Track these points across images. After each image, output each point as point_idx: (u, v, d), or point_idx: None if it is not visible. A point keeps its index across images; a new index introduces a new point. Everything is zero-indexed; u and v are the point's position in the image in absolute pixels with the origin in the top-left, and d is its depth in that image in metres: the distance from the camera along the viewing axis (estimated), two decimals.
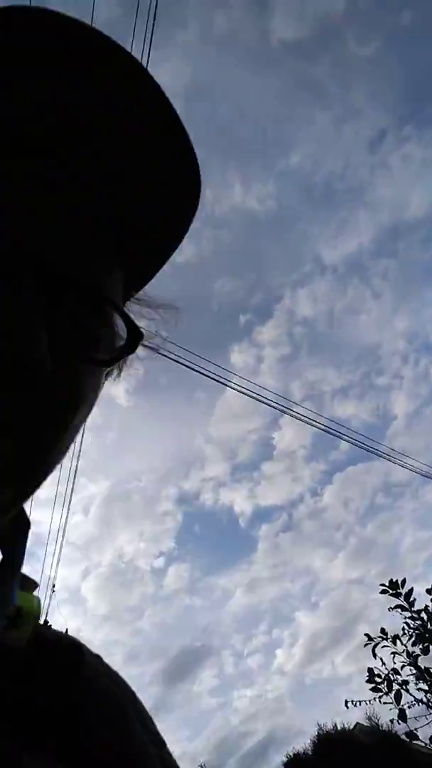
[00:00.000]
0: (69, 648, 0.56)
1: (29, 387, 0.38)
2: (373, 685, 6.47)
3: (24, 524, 0.51)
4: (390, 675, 6.47)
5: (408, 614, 6.70)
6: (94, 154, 0.45)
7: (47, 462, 0.43)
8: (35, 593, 0.56)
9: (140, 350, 0.49)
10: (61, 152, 0.44)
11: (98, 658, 0.59)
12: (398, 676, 6.48)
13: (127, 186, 0.47)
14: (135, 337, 0.46)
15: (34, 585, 0.56)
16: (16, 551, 0.50)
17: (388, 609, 6.77)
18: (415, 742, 6.92)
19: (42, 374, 0.37)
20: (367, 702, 6.70)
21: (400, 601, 6.71)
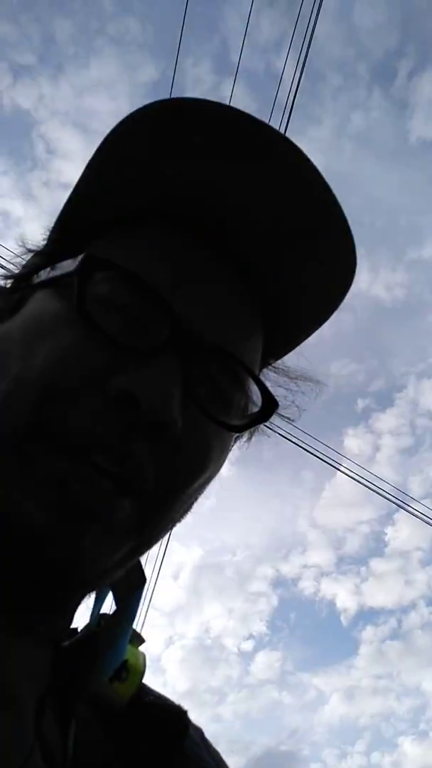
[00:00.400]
0: (174, 716, 0.54)
1: (159, 444, 0.39)
2: None
3: (140, 579, 0.51)
4: None
5: None
6: (253, 237, 0.47)
7: (167, 520, 0.44)
8: (141, 649, 0.56)
9: (274, 418, 0.49)
10: (224, 232, 0.46)
11: (200, 732, 0.56)
12: None
13: (283, 269, 0.48)
14: (270, 405, 0.46)
15: (141, 640, 0.57)
16: (131, 604, 0.50)
17: None
18: None
19: (173, 433, 0.39)
20: None
21: None
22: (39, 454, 0.37)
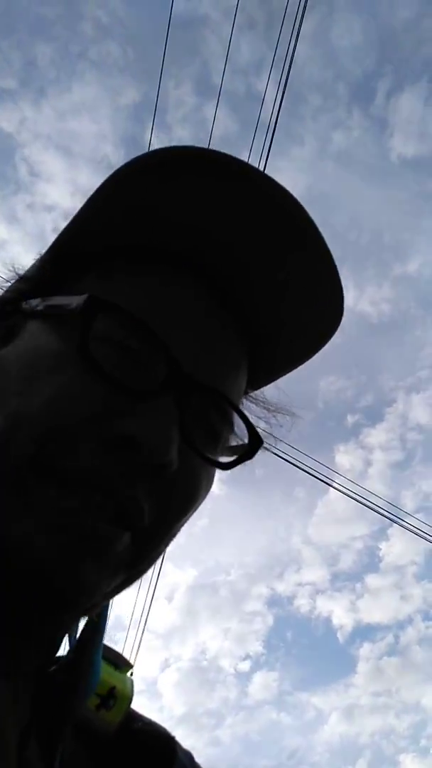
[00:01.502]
0: (162, 742, 0.54)
1: (156, 484, 0.41)
2: None
3: None
4: None
5: None
6: (244, 278, 0.48)
7: (157, 552, 0.45)
8: (129, 674, 0.55)
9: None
10: (216, 273, 0.48)
11: (190, 756, 0.56)
12: None
13: (272, 310, 0.50)
14: (256, 443, 0.47)
15: (128, 666, 0.56)
16: (99, 621, 0.51)
17: None
18: None
19: (169, 473, 0.40)
20: None
21: None
22: (41, 489, 0.38)
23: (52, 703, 0.46)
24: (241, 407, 0.49)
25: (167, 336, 0.43)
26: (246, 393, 0.55)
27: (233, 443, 0.49)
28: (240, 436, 0.48)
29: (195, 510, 0.47)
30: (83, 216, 0.48)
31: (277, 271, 0.48)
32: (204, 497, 0.47)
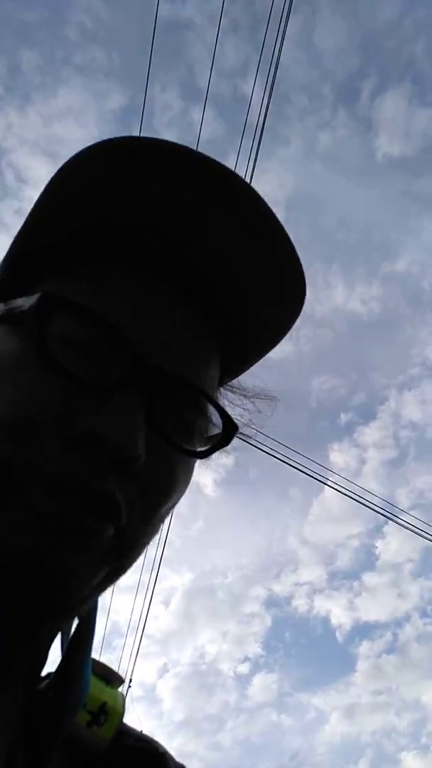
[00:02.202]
0: (152, 759, 0.53)
1: (127, 478, 0.40)
2: None
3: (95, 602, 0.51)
4: None
5: None
6: (205, 266, 0.48)
7: (140, 546, 0.45)
8: (120, 689, 0.54)
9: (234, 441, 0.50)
10: (176, 264, 0.47)
11: None
12: None
13: (236, 297, 0.49)
14: (230, 430, 0.47)
15: (120, 681, 0.55)
16: (87, 630, 0.50)
17: None
18: None
19: (138, 466, 0.40)
20: None
21: None
22: (14, 488, 0.37)
23: (41, 721, 0.45)
24: (215, 396, 0.48)
25: (129, 329, 0.42)
26: (222, 383, 0.55)
27: (212, 432, 0.48)
28: (217, 425, 0.47)
29: (174, 502, 0.46)
30: (35, 215, 0.47)
31: (237, 258, 0.47)
32: (183, 489, 0.47)
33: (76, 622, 0.49)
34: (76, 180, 0.45)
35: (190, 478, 0.48)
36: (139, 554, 0.45)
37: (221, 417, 0.46)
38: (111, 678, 0.54)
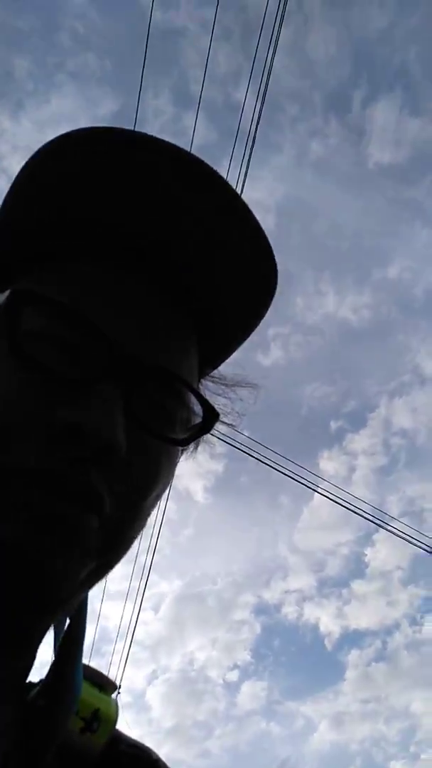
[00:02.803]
0: (147, 764, 0.53)
1: (109, 468, 0.40)
2: None
3: (84, 601, 0.50)
4: None
5: None
6: (176, 256, 0.48)
7: (126, 539, 0.44)
8: (114, 696, 0.54)
9: (217, 427, 0.50)
10: (148, 254, 0.47)
11: None
12: None
13: (209, 285, 0.50)
14: (211, 417, 0.47)
15: (113, 687, 0.55)
16: (77, 631, 0.50)
17: None
18: None
19: (119, 456, 0.39)
20: None
21: None
22: (5, 489, 0.37)
23: (34, 726, 0.44)
24: (195, 385, 0.49)
25: (103, 321, 0.42)
26: (204, 374, 0.55)
27: (194, 423, 0.48)
28: (199, 414, 0.48)
29: (159, 493, 0.46)
30: (3, 216, 0.47)
31: (211, 248, 0.48)
32: (167, 479, 0.47)
33: (66, 625, 0.49)
34: (44, 173, 0.45)
35: (174, 468, 0.48)
36: (126, 548, 0.45)
37: (201, 404, 0.47)
38: (104, 684, 0.54)
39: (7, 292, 0.42)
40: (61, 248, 0.47)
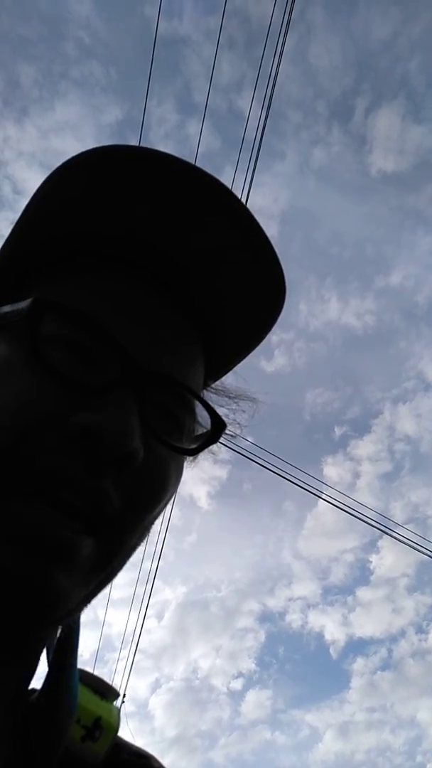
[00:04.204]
0: None
1: (125, 477, 0.40)
2: None
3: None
4: None
5: None
6: (186, 271, 0.49)
7: (130, 547, 0.45)
8: (116, 703, 0.54)
9: (222, 438, 0.51)
10: (161, 268, 0.48)
11: None
12: None
13: (216, 301, 0.51)
14: (218, 427, 0.48)
15: (115, 695, 0.54)
16: (72, 639, 0.49)
17: None
18: None
19: (136, 463, 0.40)
20: None
21: None
22: (5, 500, 0.38)
23: (35, 734, 0.44)
24: (203, 397, 0.49)
25: (119, 332, 0.43)
26: (206, 385, 0.56)
27: (199, 432, 0.49)
28: (204, 425, 0.48)
29: (166, 501, 0.46)
30: (23, 224, 0.48)
31: (220, 265, 0.49)
32: (174, 488, 0.47)
33: (58, 634, 0.49)
34: (63, 189, 0.46)
35: (180, 477, 0.48)
36: (129, 556, 0.45)
37: (209, 414, 0.47)
38: (106, 692, 0.53)
39: (28, 301, 0.43)
40: (76, 259, 0.48)
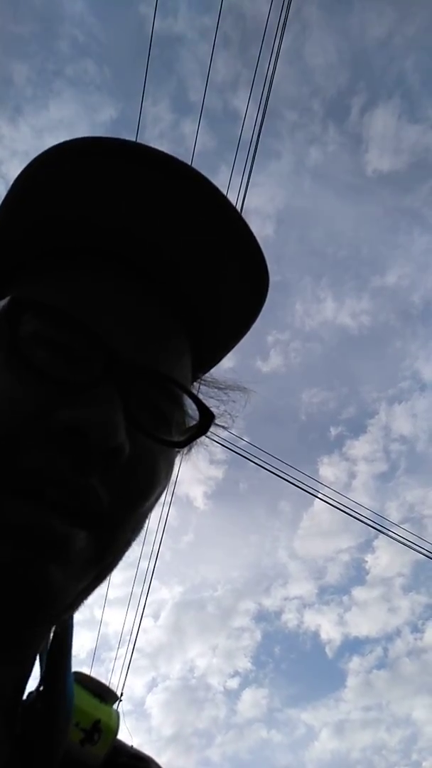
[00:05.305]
0: None
1: (112, 472, 0.40)
2: None
3: None
4: None
5: None
6: (170, 262, 0.49)
7: (124, 542, 0.44)
8: (115, 707, 0.53)
9: (213, 430, 0.50)
10: (142, 261, 0.48)
11: None
12: None
13: (202, 293, 0.50)
14: (207, 418, 0.47)
15: (114, 698, 0.54)
16: (66, 639, 0.49)
17: None
18: None
19: (123, 458, 0.40)
20: None
21: None
22: None
23: (33, 737, 0.44)
24: (190, 388, 0.49)
25: (101, 327, 0.43)
26: (195, 377, 0.56)
27: (189, 425, 0.48)
28: (194, 417, 0.48)
29: (156, 495, 0.46)
30: (3, 213, 0.48)
31: (202, 256, 0.48)
32: (165, 482, 0.47)
33: (52, 636, 0.48)
34: (49, 174, 0.45)
35: (171, 471, 0.48)
36: (123, 552, 0.45)
37: (197, 406, 0.47)
38: (105, 695, 0.53)
39: (6, 299, 0.43)
40: (61, 253, 0.48)
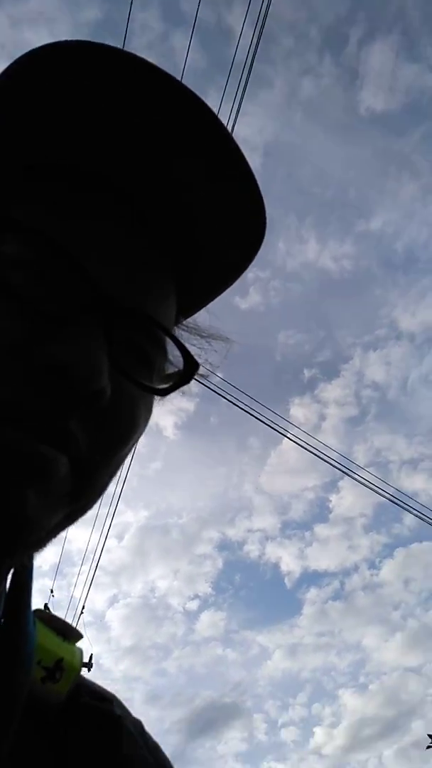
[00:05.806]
0: (109, 720, 0.52)
1: (90, 414, 0.38)
2: None
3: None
4: None
5: None
6: (160, 194, 0.46)
7: (99, 485, 0.43)
8: (78, 645, 0.54)
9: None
10: (130, 190, 0.45)
11: (140, 725, 0.56)
12: None
13: (193, 234, 0.48)
14: (191, 367, 0.46)
15: (78, 636, 0.54)
16: (28, 580, 0.49)
17: None
18: None
19: (103, 402, 0.38)
20: None
21: None
22: None
23: None
24: (175, 335, 0.47)
25: (87, 259, 0.40)
26: (178, 321, 0.53)
27: (170, 371, 0.47)
28: (175, 364, 0.46)
29: (135, 440, 0.45)
30: None
31: (198, 195, 0.46)
32: (143, 426, 0.46)
33: (10, 577, 0.47)
34: (37, 77, 0.41)
35: (149, 416, 0.47)
36: (99, 494, 0.44)
37: (182, 354, 0.45)
38: (68, 633, 0.53)
39: None
40: (52, 178, 0.44)
